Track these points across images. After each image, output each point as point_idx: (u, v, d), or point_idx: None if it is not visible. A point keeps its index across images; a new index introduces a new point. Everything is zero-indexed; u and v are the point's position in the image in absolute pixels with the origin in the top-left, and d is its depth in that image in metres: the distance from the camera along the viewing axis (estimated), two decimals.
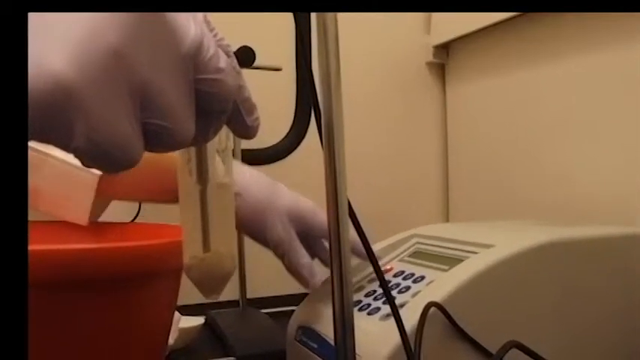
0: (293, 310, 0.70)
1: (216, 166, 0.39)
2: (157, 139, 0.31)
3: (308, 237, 0.70)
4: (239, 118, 0.37)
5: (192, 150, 0.38)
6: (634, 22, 0.86)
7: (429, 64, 1.31)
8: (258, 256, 1.12)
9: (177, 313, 0.74)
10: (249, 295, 0.96)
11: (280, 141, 0.93)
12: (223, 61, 0.33)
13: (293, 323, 0.68)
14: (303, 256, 0.67)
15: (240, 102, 0.36)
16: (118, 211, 1.04)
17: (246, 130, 0.37)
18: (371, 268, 0.59)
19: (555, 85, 1.01)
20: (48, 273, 0.40)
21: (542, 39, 1.03)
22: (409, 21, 1.29)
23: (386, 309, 0.58)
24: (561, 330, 0.59)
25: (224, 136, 0.40)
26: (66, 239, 0.63)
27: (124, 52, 0.28)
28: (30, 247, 0.28)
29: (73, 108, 0.26)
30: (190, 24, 0.31)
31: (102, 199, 0.65)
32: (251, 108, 0.37)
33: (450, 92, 1.31)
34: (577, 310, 0.60)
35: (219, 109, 0.34)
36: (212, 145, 0.39)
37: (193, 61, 0.31)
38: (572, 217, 0.95)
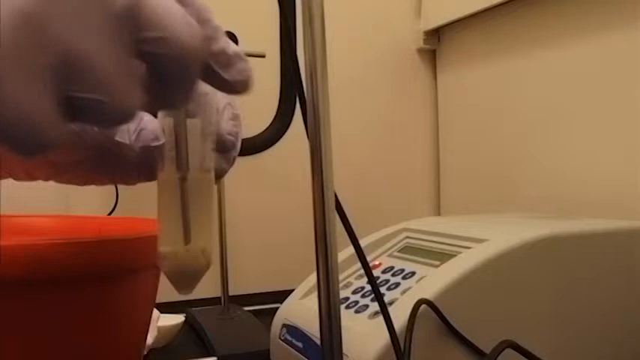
0: (277, 308, 0.70)
1: (200, 153, 0.37)
2: (92, 115, 0.27)
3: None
4: (214, 74, 0.33)
5: (173, 136, 0.36)
6: (632, 8, 0.85)
7: (420, 51, 1.30)
8: (241, 250, 1.12)
9: (155, 311, 0.72)
10: (231, 292, 0.95)
11: (263, 131, 0.91)
12: (172, 14, 0.28)
13: (277, 321, 0.67)
14: None
15: (210, 56, 0.32)
16: (93, 204, 1.03)
17: (228, 87, 0.34)
18: (359, 264, 0.59)
19: (551, 71, 1.00)
20: (18, 270, 0.38)
21: (538, 24, 1.02)
22: (399, 5, 1.28)
23: (374, 307, 0.57)
24: (559, 329, 0.59)
25: (208, 122, 0.38)
26: (37, 233, 0.61)
27: (38, 14, 0.24)
28: None
29: None
30: None
31: None
32: (227, 60, 0.33)
33: (442, 80, 1.30)
34: (575, 308, 0.60)
35: (177, 71, 0.29)
36: (194, 130, 0.37)
37: (132, 18, 0.27)
38: (569, 210, 0.95)
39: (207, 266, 0.37)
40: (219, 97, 0.40)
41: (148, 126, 0.36)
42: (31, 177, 0.44)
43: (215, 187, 0.93)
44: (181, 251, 0.36)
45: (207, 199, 0.38)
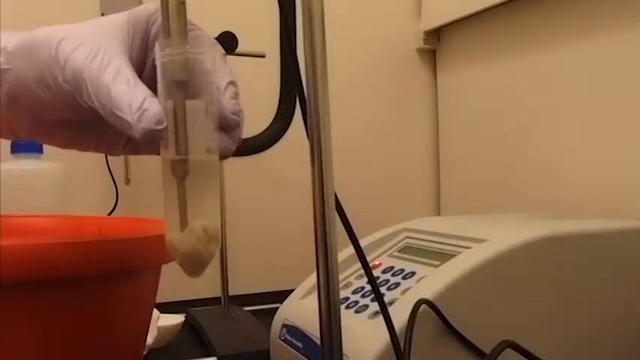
0: (277, 308, 0.70)
1: (203, 134, 0.37)
2: None
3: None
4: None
5: (172, 119, 0.36)
6: (632, 8, 0.85)
7: (420, 51, 1.30)
8: (241, 250, 1.12)
9: (155, 311, 0.72)
10: (231, 292, 0.95)
11: (263, 131, 0.91)
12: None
13: (277, 321, 0.67)
14: (120, 82, 0.37)
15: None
16: (93, 204, 1.02)
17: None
18: (359, 264, 0.58)
19: (551, 71, 1.00)
20: (18, 270, 0.38)
21: (537, 24, 1.02)
22: (399, 5, 1.28)
23: (374, 307, 0.57)
24: (559, 329, 0.59)
25: (209, 101, 0.38)
26: (37, 233, 0.61)
27: None
28: None
29: None
30: None
31: None
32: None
33: (442, 79, 1.30)
34: (575, 308, 0.60)
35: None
36: (197, 112, 0.36)
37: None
38: (570, 210, 0.95)
39: (215, 247, 0.37)
40: (222, 76, 0.39)
41: (152, 107, 0.35)
42: (14, 134, 0.43)
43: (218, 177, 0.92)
44: (186, 234, 0.36)
45: (212, 180, 0.38)
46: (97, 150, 0.44)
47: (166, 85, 0.35)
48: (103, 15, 0.83)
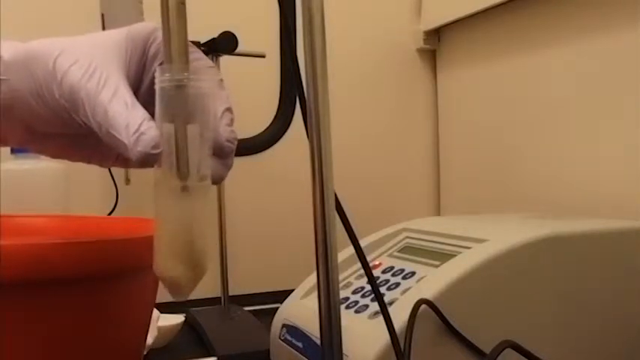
0: (277, 308, 0.70)
1: (197, 160, 0.37)
2: None
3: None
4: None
5: (173, 141, 0.36)
6: (632, 8, 0.85)
7: (420, 51, 1.30)
8: (241, 250, 1.12)
9: (155, 311, 0.72)
10: (231, 292, 0.95)
11: (263, 131, 0.91)
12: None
13: (277, 321, 0.67)
14: (117, 102, 0.37)
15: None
16: (94, 204, 1.02)
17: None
18: (359, 264, 0.58)
19: (551, 72, 1.00)
20: (18, 270, 0.38)
21: (538, 24, 1.02)
22: (399, 5, 1.28)
23: (374, 307, 0.57)
24: (559, 329, 0.58)
25: (205, 127, 0.37)
26: (37, 233, 0.61)
27: None
28: None
29: None
30: None
31: None
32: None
33: (442, 80, 1.30)
34: (575, 308, 0.59)
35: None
36: (192, 136, 0.36)
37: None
38: (570, 210, 0.94)
39: (201, 275, 0.37)
40: (219, 102, 0.39)
41: (149, 131, 0.35)
42: (4, 142, 0.43)
43: (214, 188, 0.92)
44: (174, 260, 0.36)
45: (204, 205, 0.38)
46: (88, 161, 0.44)
47: (164, 110, 0.35)
48: (103, 15, 0.83)
